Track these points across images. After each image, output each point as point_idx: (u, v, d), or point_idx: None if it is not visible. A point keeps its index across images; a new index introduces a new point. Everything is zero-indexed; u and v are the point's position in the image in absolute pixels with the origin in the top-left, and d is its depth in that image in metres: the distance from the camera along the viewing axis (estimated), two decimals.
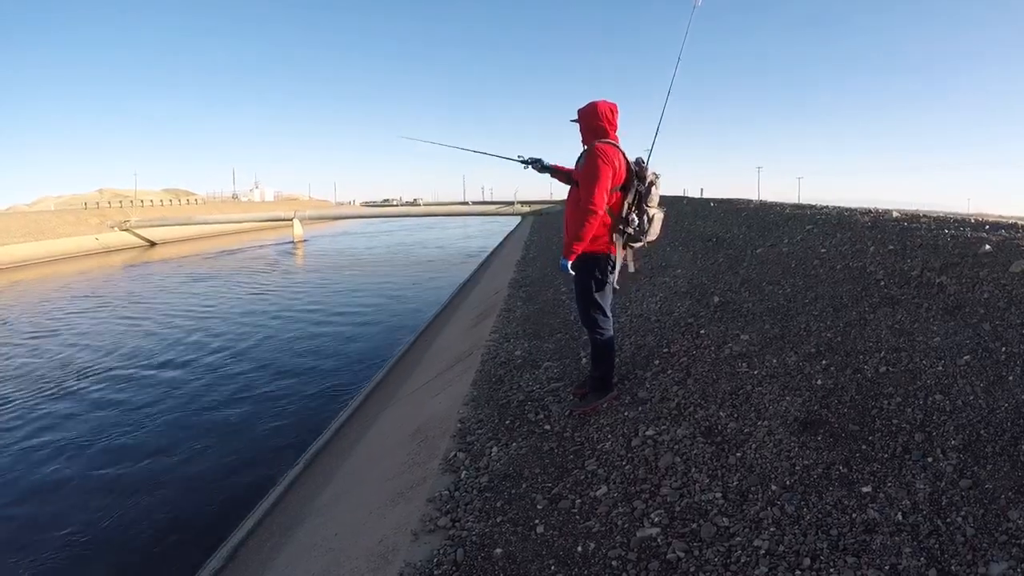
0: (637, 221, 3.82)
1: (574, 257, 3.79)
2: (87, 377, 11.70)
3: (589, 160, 3.74)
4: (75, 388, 11.04)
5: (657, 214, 3.90)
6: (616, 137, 3.88)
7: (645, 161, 3.92)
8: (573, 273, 3.90)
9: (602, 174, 3.66)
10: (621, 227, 3.83)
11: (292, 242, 46.14)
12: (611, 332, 4.07)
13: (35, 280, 28.59)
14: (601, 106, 3.85)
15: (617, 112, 3.89)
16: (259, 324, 16.37)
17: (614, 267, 3.92)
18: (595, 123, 3.85)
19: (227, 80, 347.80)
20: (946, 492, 2.34)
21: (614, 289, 4.03)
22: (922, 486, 2.41)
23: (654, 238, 3.98)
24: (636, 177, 3.83)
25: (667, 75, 4.42)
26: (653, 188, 3.84)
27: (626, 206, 3.81)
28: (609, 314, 4.04)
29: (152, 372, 11.92)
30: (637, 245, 3.96)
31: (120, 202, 61.22)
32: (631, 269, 4.10)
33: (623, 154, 3.82)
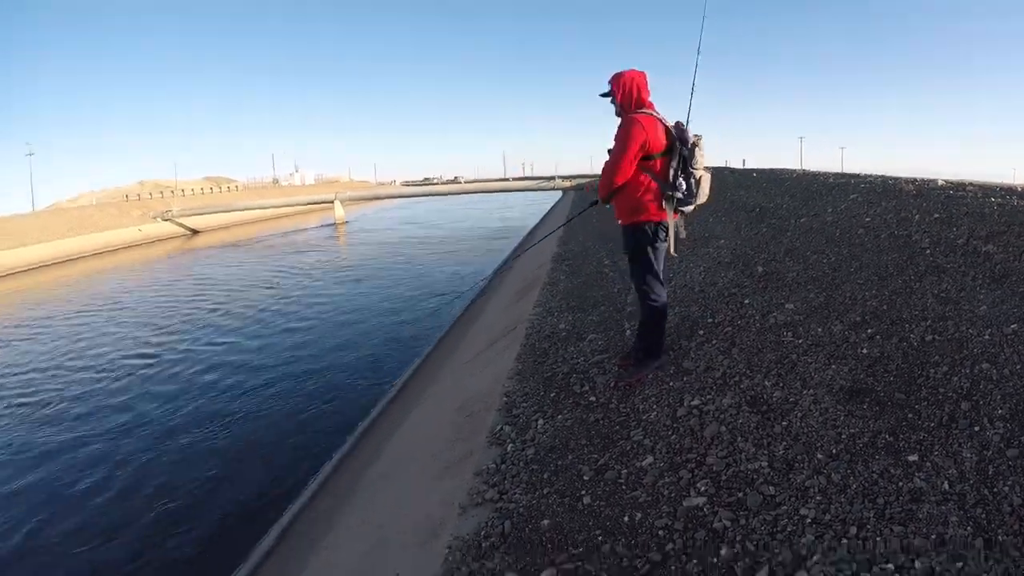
0: (685, 185, 3.78)
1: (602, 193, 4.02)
2: (144, 357, 12.20)
3: (622, 128, 3.77)
4: (132, 370, 11.55)
5: (704, 175, 3.85)
6: (651, 104, 3.86)
7: (685, 124, 3.88)
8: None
9: (632, 141, 3.69)
10: (669, 192, 3.79)
11: (334, 224, 46.80)
12: (665, 299, 4.05)
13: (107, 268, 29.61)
14: (633, 75, 3.86)
15: (647, 79, 3.89)
16: (304, 304, 16.78)
17: (667, 233, 3.91)
18: (629, 92, 3.85)
19: (264, 66, 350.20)
20: (993, 461, 2.34)
21: (669, 255, 4.03)
22: (969, 455, 2.41)
23: (704, 200, 3.93)
24: (678, 140, 3.78)
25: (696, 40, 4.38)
26: (696, 150, 3.78)
27: (671, 171, 3.78)
28: (663, 281, 4.03)
29: (203, 355, 12.39)
30: (688, 209, 3.91)
31: (161, 193, 62.61)
32: (682, 235, 4.08)
33: (661, 121, 3.80)
